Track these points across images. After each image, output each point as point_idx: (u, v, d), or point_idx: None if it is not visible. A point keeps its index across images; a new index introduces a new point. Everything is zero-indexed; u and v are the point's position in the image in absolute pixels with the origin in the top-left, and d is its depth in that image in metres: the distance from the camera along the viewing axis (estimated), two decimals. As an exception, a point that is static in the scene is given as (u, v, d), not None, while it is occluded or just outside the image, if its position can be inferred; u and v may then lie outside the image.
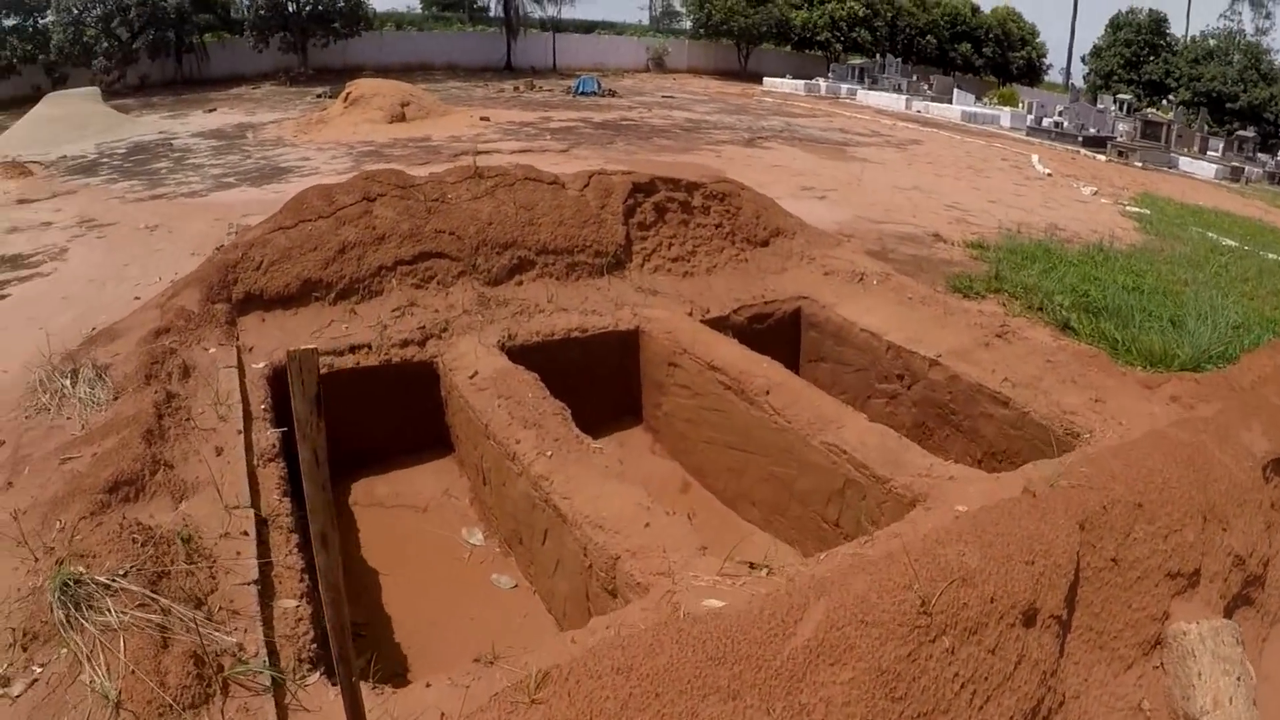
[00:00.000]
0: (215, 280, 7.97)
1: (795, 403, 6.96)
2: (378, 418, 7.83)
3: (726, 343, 7.87)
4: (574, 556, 5.64)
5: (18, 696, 4.07)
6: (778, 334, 9.19)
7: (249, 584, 4.74)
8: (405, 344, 7.76)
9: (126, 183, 18.63)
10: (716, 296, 9.06)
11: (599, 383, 8.42)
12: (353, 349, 7.62)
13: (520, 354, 7.76)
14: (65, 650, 4.14)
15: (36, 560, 4.68)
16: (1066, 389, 7.26)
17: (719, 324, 8.63)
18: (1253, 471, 6.15)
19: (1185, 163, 34.36)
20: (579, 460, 6.06)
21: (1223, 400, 6.85)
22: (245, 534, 5.13)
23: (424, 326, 7.90)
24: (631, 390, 8.72)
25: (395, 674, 5.90)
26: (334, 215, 8.62)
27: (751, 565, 4.96)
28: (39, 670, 4.15)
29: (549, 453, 6.12)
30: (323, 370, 7.34)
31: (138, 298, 9.90)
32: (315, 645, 4.62)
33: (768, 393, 7.10)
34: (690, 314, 8.59)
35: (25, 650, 4.24)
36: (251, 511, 5.36)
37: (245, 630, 4.45)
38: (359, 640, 6.26)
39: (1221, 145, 38.62)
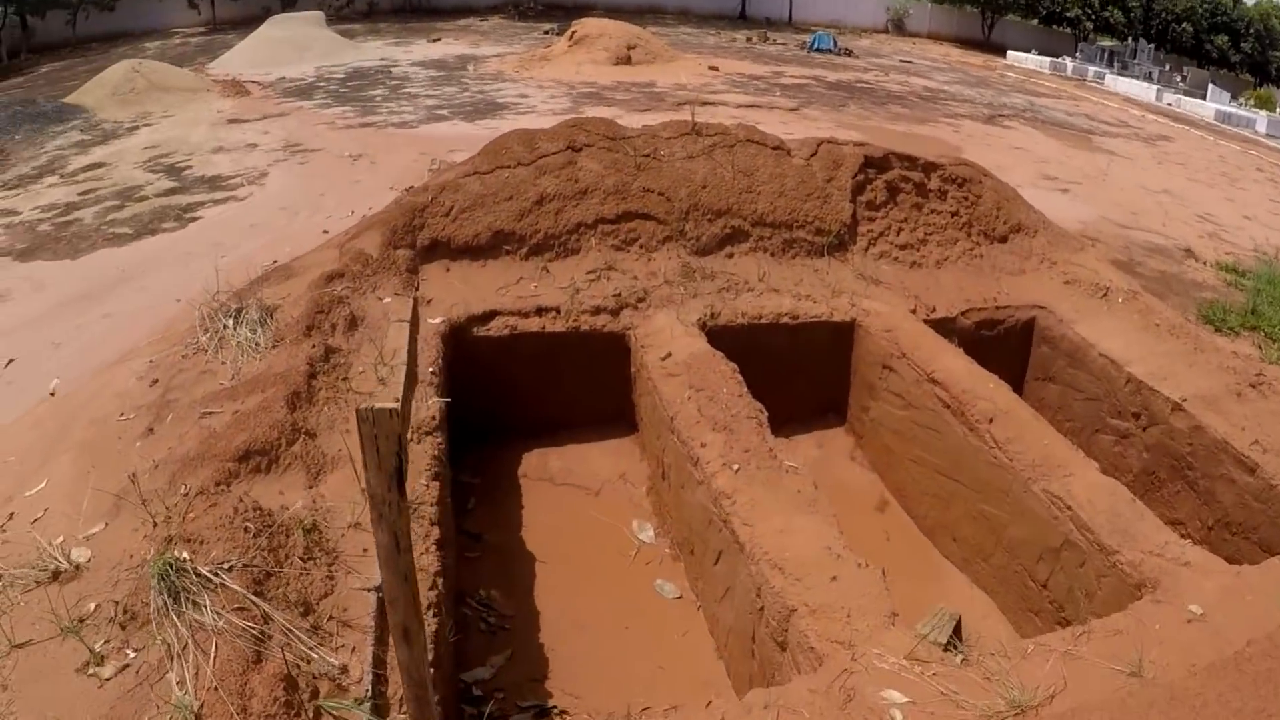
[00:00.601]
0: (400, 224, 7.61)
1: (1020, 437, 6.15)
2: (559, 387, 7.37)
3: (951, 353, 7.05)
4: (746, 592, 5.05)
5: (107, 679, 3.80)
6: (1005, 344, 8.28)
7: (370, 590, 4.28)
8: (597, 311, 7.24)
9: (339, 108, 18.75)
10: (944, 294, 8.20)
11: (804, 375, 7.74)
12: (540, 311, 7.15)
13: (721, 335, 7.16)
14: (159, 641, 3.81)
15: (155, 526, 4.37)
16: None
17: (943, 326, 7.78)
18: None
19: None
20: (768, 480, 5.42)
21: None
22: None
23: (620, 294, 7.36)
24: (839, 387, 8.00)
25: (531, 679, 5.55)
26: (534, 164, 8.15)
27: (946, 647, 4.33)
28: (132, 656, 3.86)
29: (735, 466, 5.50)
30: (504, 332, 6.98)
31: (326, 231, 9.69)
32: (433, 670, 4.13)
33: (991, 420, 6.31)
34: (914, 311, 7.78)
35: (124, 629, 3.95)
36: None
37: (354, 649, 4.02)
38: (500, 634, 5.84)
39: None
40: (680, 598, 6.12)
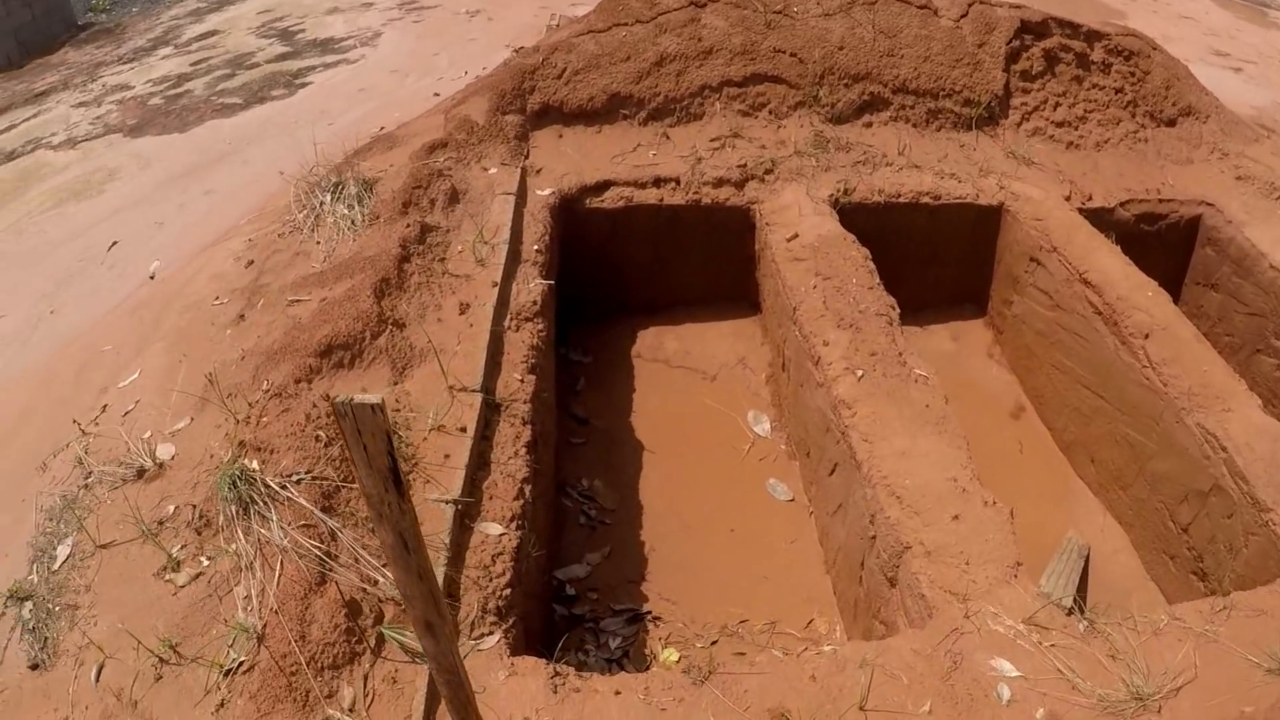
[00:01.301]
0: (509, 88, 7.13)
1: (1178, 359, 5.52)
2: (677, 263, 6.99)
3: (1107, 251, 6.38)
4: (859, 516, 4.68)
5: (181, 587, 3.73)
6: (1165, 241, 7.55)
7: (447, 503, 4.00)
8: (720, 183, 6.74)
9: (459, -41, 18.06)
10: (1103, 180, 7.46)
11: (943, 260, 7.21)
12: (658, 181, 6.70)
13: (855, 213, 6.63)
14: (231, 551, 3.64)
15: (237, 423, 4.19)
16: None
17: (1099, 217, 7.10)
18: None
19: None
20: (894, 391, 4.95)
21: None
22: (462, 430, 4.37)
23: (745, 164, 6.84)
24: (980, 277, 7.42)
25: (628, 580, 5.39)
26: (654, 21, 7.56)
27: (1070, 611, 3.87)
28: (205, 564, 3.75)
29: (859, 371, 5.04)
30: (619, 204, 6.63)
31: (437, 94, 9.27)
32: (509, 591, 3.85)
33: (1147, 336, 5.69)
34: (1068, 198, 7.10)
35: (199, 535, 3.83)
36: (480, 397, 4.60)
37: None
38: (600, 529, 5.57)
39: None
40: (792, 500, 5.80)
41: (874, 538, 4.46)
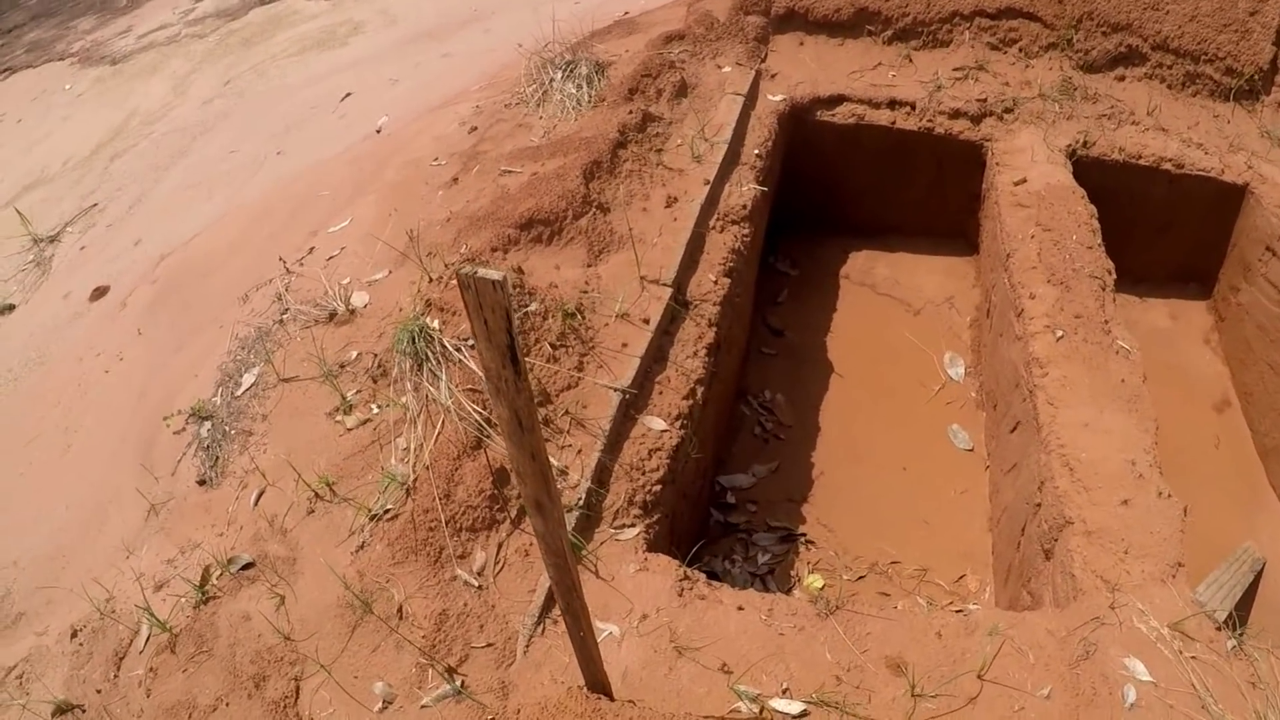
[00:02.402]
0: (756, -13, 7.04)
1: None
2: (900, 189, 6.91)
3: (1355, 251, 6.02)
4: (1030, 479, 4.59)
5: (349, 430, 3.95)
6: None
7: (617, 390, 4.10)
8: (956, 115, 6.57)
9: None
10: (1362, 177, 7.02)
11: (1174, 233, 6.91)
12: (893, 104, 6.58)
13: (1090, 168, 6.38)
14: (400, 403, 3.86)
15: (430, 281, 4.36)
16: None
17: (1351, 215, 6.69)
18: None
19: None
20: (1091, 358, 4.79)
21: None
22: (645, 321, 4.44)
23: (985, 99, 6.64)
24: (1211, 257, 7.06)
25: (789, 498, 5.45)
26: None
27: (1221, 626, 3.68)
28: (375, 411, 3.98)
29: (1060, 332, 4.91)
30: (850, 120, 6.53)
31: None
32: (660, 488, 3.95)
33: (1380, 355, 5.37)
34: (1321, 189, 6.70)
35: (375, 383, 4.07)
36: (669, 291, 4.67)
37: (580, 451, 3.91)
38: (772, 443, 5.65)
39: None
40: (971, 450, 5.76)
41: (1039, 505, 4.41)
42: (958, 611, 3.73)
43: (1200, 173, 6.53)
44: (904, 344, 6.32)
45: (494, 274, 1.80)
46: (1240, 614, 5.14)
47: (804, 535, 5.28)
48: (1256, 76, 7.25)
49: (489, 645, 3.41)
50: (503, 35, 8.45)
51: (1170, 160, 6.52)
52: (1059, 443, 4.38)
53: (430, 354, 3.96)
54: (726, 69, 6.58)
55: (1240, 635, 3.64)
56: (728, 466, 5.60)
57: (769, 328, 6.35)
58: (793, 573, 5.09)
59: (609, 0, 8.79)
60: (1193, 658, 3.51)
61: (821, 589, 4.83)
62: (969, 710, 3.28)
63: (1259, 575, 5.27)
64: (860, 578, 5.08)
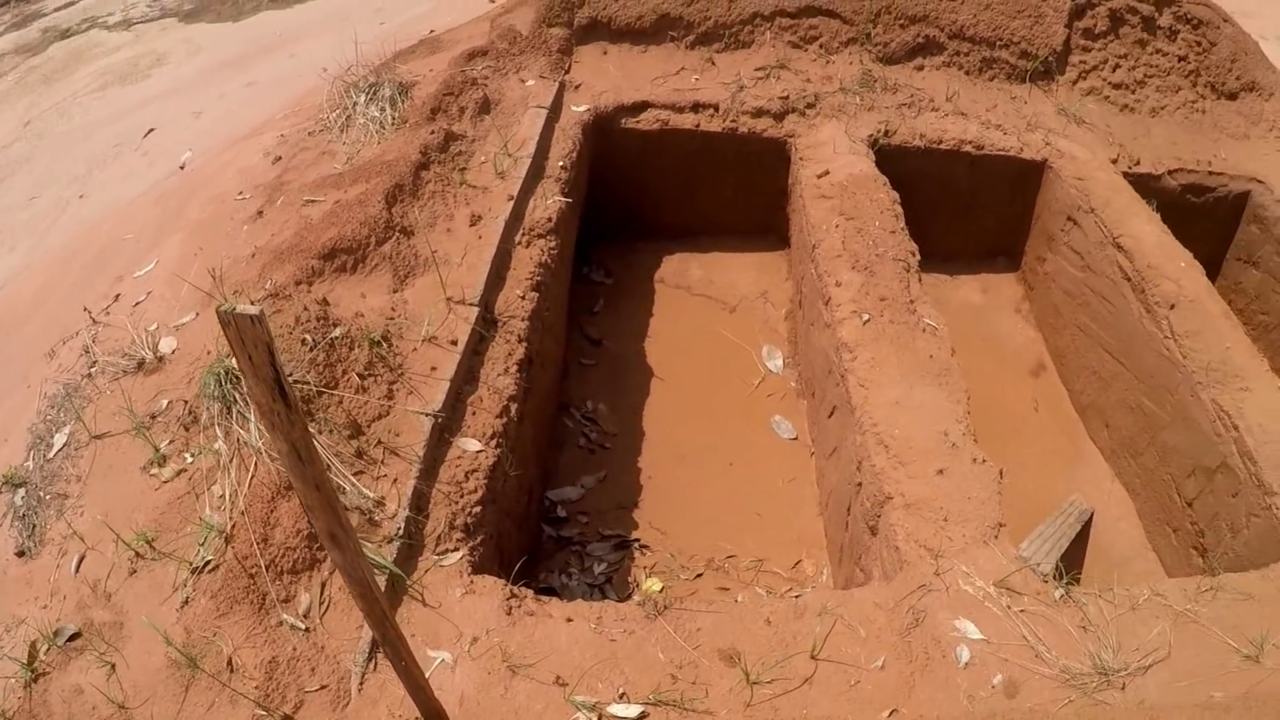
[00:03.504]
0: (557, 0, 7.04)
1: (1201, 333, 5.45)
2: (708, 190, 6.95)
3: (1145, 217, 6.27)
4: (849, 460, 4.68)
5: (165, 482, 3.81)
6: (1210, 215, 7.41)
7: (428, 415, 4.05)
8: (759, 113, 6.67)
9: None
10: (1153, 146, 7.32)
11: (980, 211, 7.13)
12: (696, 107, 6.64)
13: (893, 156, 6.54)
14: (213, 449, 3.74)
15: None
16: None
17: (1144, 183, 6.97)
18: None
19: None
20: (898, 338, 4.92)
21: None
22: (453, 343, 4.41)
23: (787, 96, 6.75)
24: (1017, 231, 7.33)
25: (620, 506, 5.44)
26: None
27: (1047, 578, 3.83)
28: (189, 460, 3.82)
29: (866, 316, 5.02)
30: (654, 126, 6.56)
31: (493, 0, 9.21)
32: (480, 509, 3.92)
33: (1172, 307, 5.62)
34: (1114, 160, 6.97)
35: (187, 430, 3.91)
36: (476, 311, 4.64)
37: (395, 480, 3.84)
38: (599, 453, 5.63)
39: None
40: (795, 440, 5.82)
41: (860, 485, 4.48)
42: (796, 597, 3.78)
43: (1000, 152, 6.76)
44: (722, 342, 6.36)
45: (251, 309, 1.79)
46: (1076, 562, 5.35)
47: (638, 541, 5.26)
48: (1050, 58, 7.52)
49: (323, 688, 3.31)
50: (308, 60, 8.34)
51: (971, 142, 6.72)
52: (872, 422, 4.47)
53: (238, 396, 3.84)
54: (530, 83, 6.57)
55: (1067, 583, 3.77)
56: (555, 481, 5.55)
57: (587, 338, 6.33)
58: (630, 579, 5.07)
59: (418, 19, 8.74)
60: (1021, 611, 3.62)
61: (660, 591, 4.82)
62: (805, 690, 3.32)
63: (1088, 524, 5.53)
64: (698, 575, 5.09)
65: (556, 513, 5.38)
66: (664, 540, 5.26)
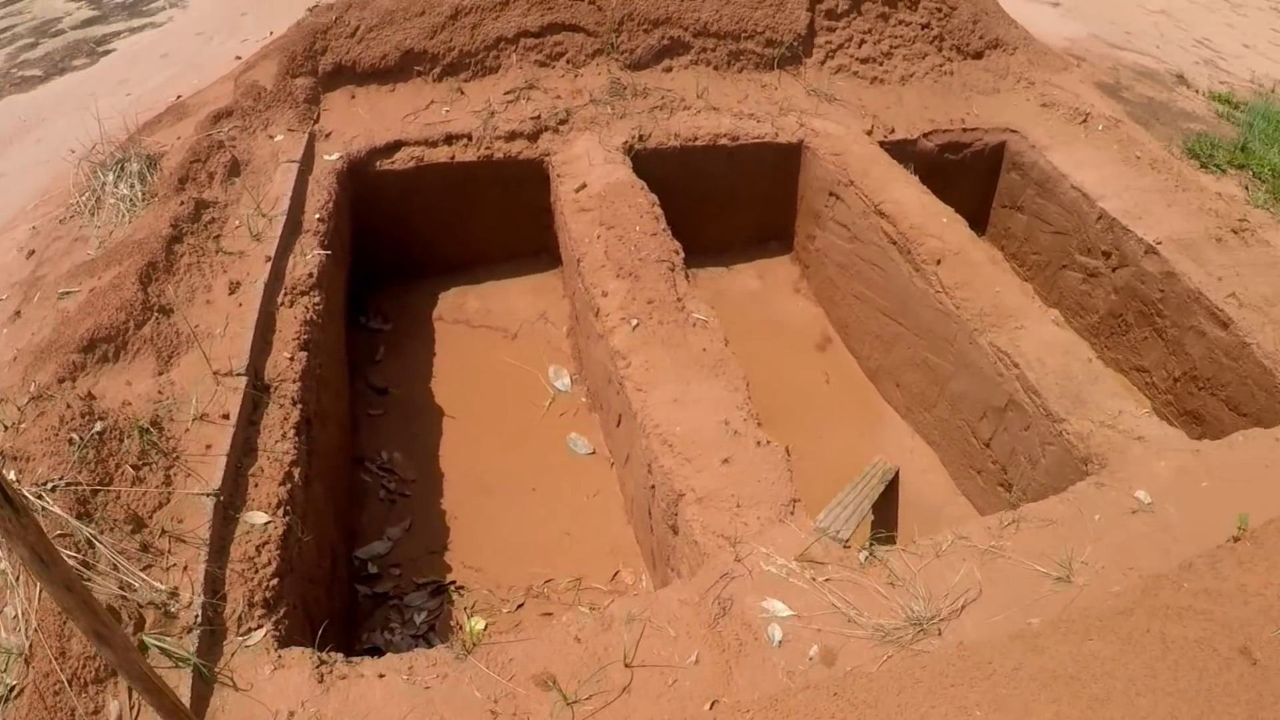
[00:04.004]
0: (300, 49, 6.89)
1: (969, 283, 5.68)
2: (474, 221, 6.88)
3: (904, 181, 6.49)
4: (640, 466, 4.70)
5: None
6: (971, 169, 7.72)
7: (208, 495, 3.87)
8: (513, 137, 6.64)
9: (280, -96, 17.46)
10: (906, 113, 7.57)
11: (745, 201, 7.24)
12: (449, 139, 6.58)
13: (651, 159, 6.61)
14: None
15: (4, 430, 3.99)
16: None
17: (902, 149, 7.20)
18: None
19: None
20: (669, 338, 4.96)
21: None
22: (225, 417, 4.24)
23: (539, 116, 6.75)
24: (785, 214, 7.48)
25: (430, 551, 5.31)
26: (452, -28, 7.37)
27: (848, 543, 3.95)
28: None
29: (634, 321, 5.03)
30: (410, 164, 6.49)
31: (239, 57, 8.95)
32: (277, 581, 3.78)
33: (939, 262, 5.83)
34: (869, 132, 7.18)
35: None
36: (243, 381, 4.47)
37: (186, 567, 3.64)
38: (401, 502, 5.49)
39: None
40: (593, 453, 5.80)
41: (653, 487, 4.49)
42: (604, 609, 3.73)
43: (755, 140, 6.89)
44: (507, 369, 6.29)
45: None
46: (888, 519, 5.48)
47: (454, 583, 5.15)
48: (796, 43, 7.70)
49: (146, 793, 3.14)
50: (56, 143, 7.93)
51: (726, 135, 6.83)
52: (654, 424, 4.48)
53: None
54: (279, 137, 6.40)
55: (869, 544, 3.85)
56: (362, 538, 5.39)
57: (372, 388, 6.18)
58: (453, 623, 4.95)
59: (164, 86, 8.46)
60: (827, 580, 3.68)
61: (485, 629, 4.72)
62: (625, 700, 3.30)
63: (895, 482, 5.66)
64: (520, 606, 5.01)
65: (368, 570, 5.23)
66: (480, 577, 5.16)
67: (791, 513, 4.02)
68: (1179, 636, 3.36)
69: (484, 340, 6.52)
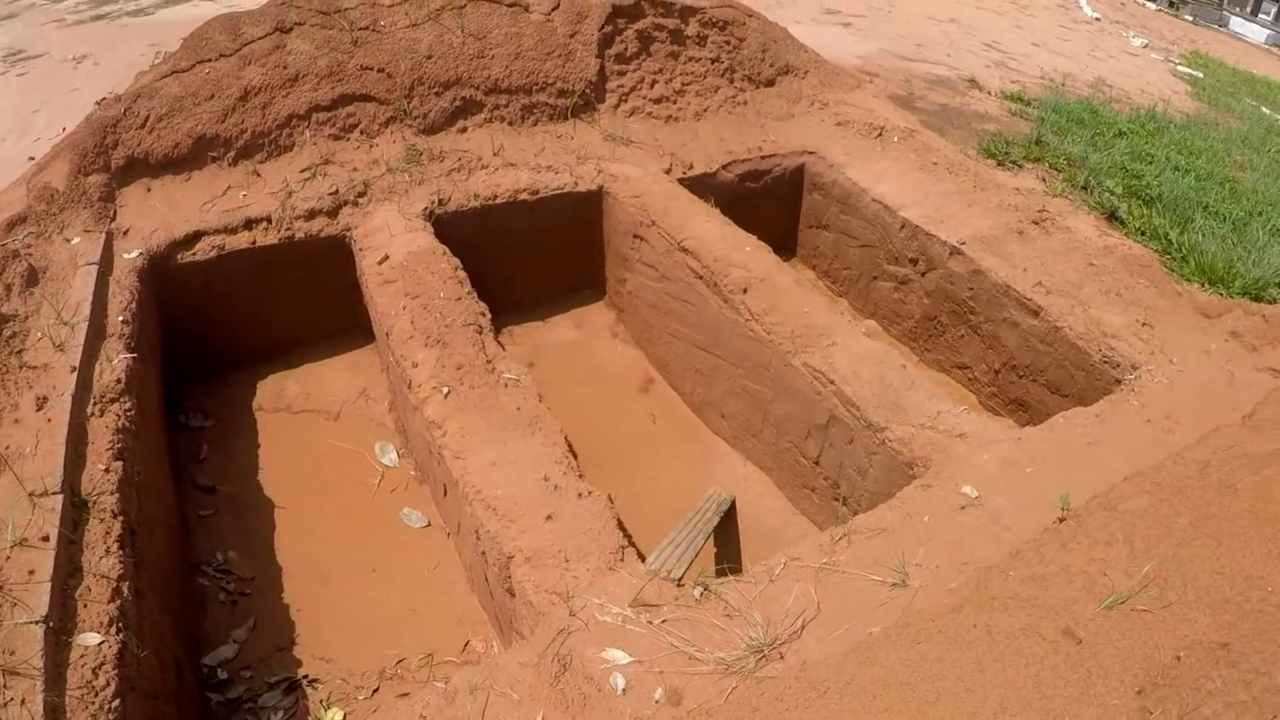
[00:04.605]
0: (90, 145, 6.74)
1: (778, 307, 5.89)
2: (285, 304, 6.81)
3: (705, 216, 6.69)
4: (469, 533, 4.74)
5: None
6: (774, 194, 8.00)
7: (37, 623, 3.78)
8: (312, 215, 6.62)
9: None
10: (704, 148, 7.81)
11: (552, 252, 7.35)
12: (249, 224, 6.50)
13: (452, 222, 6.67)
14: None
15: None
16: (1110, 303, 6.19)
17: (703, 183, 7.43)
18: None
19: (1236, 23, 33.85)
20: (482, 401, 5.01)
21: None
22: (45, 539, 4.14)
23: (337, 191, 6.75)
24: (594, 260, 7.63)
25: (278, 648, 5.22)
26: (239, 53, 7.32)
27: (680, 582, 4.00)
28: None
29: (446, 389, 5.07)
30: (212, 253, 6.39)
31: (32, 157, 8.69)
32: (118, 702, 3.69)
33: (745, 290, 6.03)
34: (669, 170, 7.38)
35: None
36: (59, 499, 4.36)
37: (24, 700, 3.53)
38: (242, 602, 5.44)
39: (1275, 9, 38.25)
40: (429, 525, 5.80)
41: (484, 553, 4.51)
42: (445, 683, 3.70)
43: (555, 191, 7.00)
44: (333, 451, 6.25)
45: None
46: (728, 553, 5.58)
47: (306, 677, 5.08)
48: (588, 90, 7.87)
49: None
50: None
51: (525, 190, 6.93)
52: (475, 490, 4.50)
53: None
54: (76, 240, 6.25)
55: (701, 579, 3.91)
56: (207, 644, 5.29)
57: (199, 487, 6.06)
58: (311, 717, 4.88)
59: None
60: (664, 621, 3.73)
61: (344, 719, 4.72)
62: None
63: (731, 512, 5.78)
64: (375, 690, 4.98)
65: (218, 676, 5.15)
66: (331, 667, 5.10)
67: (621, 559, 4.09)
68: (1004, 626, 3.46)
69: (307, 425, 6.46)
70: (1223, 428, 4.93)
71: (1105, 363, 5.82)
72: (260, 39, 7.41)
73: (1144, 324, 5.99)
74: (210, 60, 7.26)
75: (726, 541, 5.83)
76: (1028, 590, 3.67)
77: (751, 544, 5.84)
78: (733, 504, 5.86)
